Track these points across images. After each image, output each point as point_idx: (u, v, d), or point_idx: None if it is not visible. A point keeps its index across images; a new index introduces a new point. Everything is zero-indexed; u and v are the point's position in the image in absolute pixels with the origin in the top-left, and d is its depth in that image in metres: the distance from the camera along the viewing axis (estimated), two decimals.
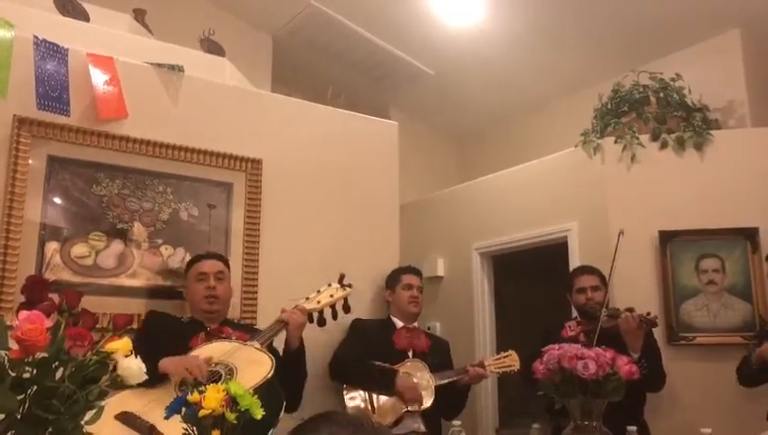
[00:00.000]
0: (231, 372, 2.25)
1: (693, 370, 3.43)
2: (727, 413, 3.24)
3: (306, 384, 2.93)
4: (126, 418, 2.03)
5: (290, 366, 2.62)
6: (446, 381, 3.09)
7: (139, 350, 2.43)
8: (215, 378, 2.24)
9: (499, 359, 3.20)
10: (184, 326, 2.68)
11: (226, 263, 2.83)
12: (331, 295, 2.85)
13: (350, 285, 2.91)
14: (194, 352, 2.40)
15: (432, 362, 3.14)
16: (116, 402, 2.02)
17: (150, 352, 2.35)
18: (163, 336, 2.54)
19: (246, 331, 2.70)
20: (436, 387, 3.04)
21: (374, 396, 2.97)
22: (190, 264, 2.80)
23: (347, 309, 2.93)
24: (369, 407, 2.93)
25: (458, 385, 3.15)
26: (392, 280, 3.38)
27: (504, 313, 4.78)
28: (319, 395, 3.05)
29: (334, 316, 2.89)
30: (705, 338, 3.49)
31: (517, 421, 4.23)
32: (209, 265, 2.74)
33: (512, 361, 3.18)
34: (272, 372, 2.23)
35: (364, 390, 3.00)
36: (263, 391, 2.11)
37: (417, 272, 3.41)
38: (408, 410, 2.96)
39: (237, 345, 2.44)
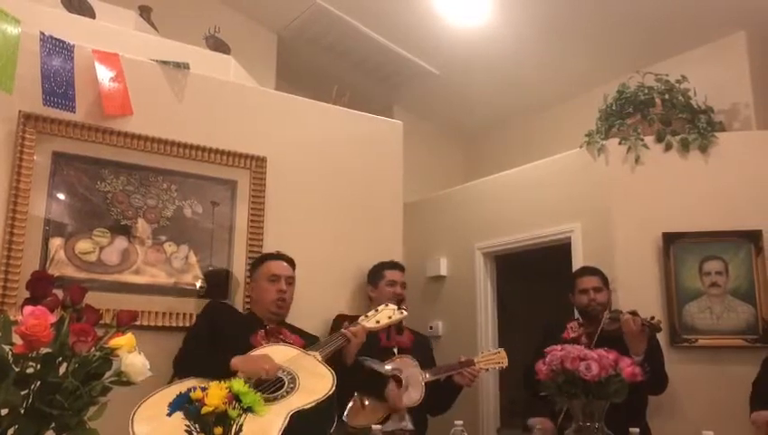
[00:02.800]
0: (294, 381, 2.28)
1: (695, 372, 3.43)
2: (730, 416, 3.22)
3: None
4: None
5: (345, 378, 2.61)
6: (435, 377, 3.07)
7: (201, 340, 2.55)
8: (278, 384, 2.27)
9: (487, 356, 3.19)
10: (244, 321, 2.76)
11: (294, 266, 2.91)
12: (389, 317, 2.84)
13: (406, 309, 2.94)
14: (258, 351, 2.47)
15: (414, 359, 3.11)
16: (177, 390, 2.03)
17: (216, 344, 2.46)
18: (225, 328, 2.62)
19: (302, 336, 2.77)
20: (426, 384, 3.02)
21: (364, 395, 2.94)
22: (261, 260, 2.88)
23: (400, 331, 3.04)
24: (360, 404, 2.92)
25: (450, 384, 3.12)
26: (374, 275, 3.29)
27: (507, 313, 4.78)
28: None
29: (388, 337, 3.01)
30: (708, 340, 3.49)
31: (518, 422, 4.23)
32: (282, 268, 2.84)
33: (500, 358, 3.17)
34: (333, 388, 2.26)
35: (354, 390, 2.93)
36: (322, 405, 2.16)
37: (400, 267, 3.31)
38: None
39: (301, 354, 2.48)
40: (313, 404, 2.15)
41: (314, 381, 2.29)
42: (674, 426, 3.28)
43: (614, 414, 2.26)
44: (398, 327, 3.07)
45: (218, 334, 2.58)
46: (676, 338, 3.50)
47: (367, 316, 2.82)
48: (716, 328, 3.50)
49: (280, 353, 2.44)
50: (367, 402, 2.92)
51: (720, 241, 3.58)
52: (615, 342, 2.78)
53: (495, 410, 4.46)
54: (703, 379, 3.42)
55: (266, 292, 2.78)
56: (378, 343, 3.08)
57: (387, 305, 2.89)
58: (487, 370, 3.21)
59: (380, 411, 2.91)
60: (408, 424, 2.97)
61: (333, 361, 2.59)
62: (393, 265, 3.30)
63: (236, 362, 2.35)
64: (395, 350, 3.12)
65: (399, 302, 3.14)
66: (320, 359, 2.48)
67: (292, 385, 2.26)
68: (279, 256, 2.89)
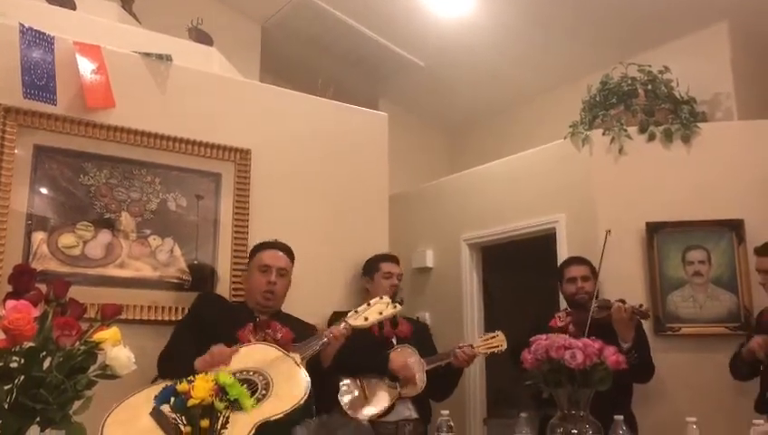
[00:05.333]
0: (267, 387, 2.22)
1: (679, 360, 3.46)
2: (713, 403, 3.27)
3: None
4: (157, 417, 1.99)
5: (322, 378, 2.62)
6: (436, 364, 3.10)
7: (185, 336, 2.53)
8: (252, 388, 2.21)
9: (487, 340, 3.20)
10: (233, 312, 2.72)
11: (292, 256, 2.86)
12: (380, 313, 2.70)
13: (401, 302, 2.85)
14: (241, 350, 2.40)
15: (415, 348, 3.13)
16: (154, 393, 2.01)
17: (199, 341, 2.41)
18: (211, 322, 2.58)
19: (294, 327, 2.71)
20: (426, 371, 3.04)
21: (366, 385, 2.95)
22: (256, 250, 2.84)
23: (394, 325, 2.95)
24: (363, 395, 2.92)
25: (450, 369, 3.15)
26: (371, 267, 3.30)
27: (493, 304, 4.81)
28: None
29: (381, 327, 2.94)
30: (691, 329, 3.52)
31: (505, 411, 4.26)
32: (274, 259, 2.78)
33: (499, 341, 3.18)
34: (304, 398, 2.18)
35: (358, 375, 2.96)
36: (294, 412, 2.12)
37: (396, 260, 3.33)
38: (400, 397, 2.96)
39: (281, 356, 2.38)
40: (281, 416, 2.07)
41: (288, 388, 2.21)
42: (658, 413, 3.32)
43: (599, 402, 2.28)
44: (392, 321, 3.04)
45: (206, 329, 2.54)
46: (660, 327, 3.53)
47: (356, 312, 2.72)
48: (699, 317, 3.54)
49: (259, 354, 2.37)
50: (369, 392, 2.92)
51: (703, 230, 3.61)
52: (603, 330, 2.81)
53: (482, 400, 4.49)
54: (686, 367, 3.46)
55: (256, 282, 2.74)
56: (375, 335, 3.07)
57: (381, 299, 2.77)
58: (486, 354, 3.22)
59: (385, 399, 2.92)
60: (412, 413, 2.99)
61: (311, 362, 2.55)
62: (390, 258, 3.32)
63: (197, 363, 2.30)
64: (394, 340, 3.14)
65: (393, 295, 3.14)
66: (298, 362, 2.38)
67: (264, 391, 2.20)
68: (274, 245, 2.83)
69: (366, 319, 2.68)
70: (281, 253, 2.82)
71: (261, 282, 2.73)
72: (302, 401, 2.16)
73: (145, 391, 2.14)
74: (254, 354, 2.38)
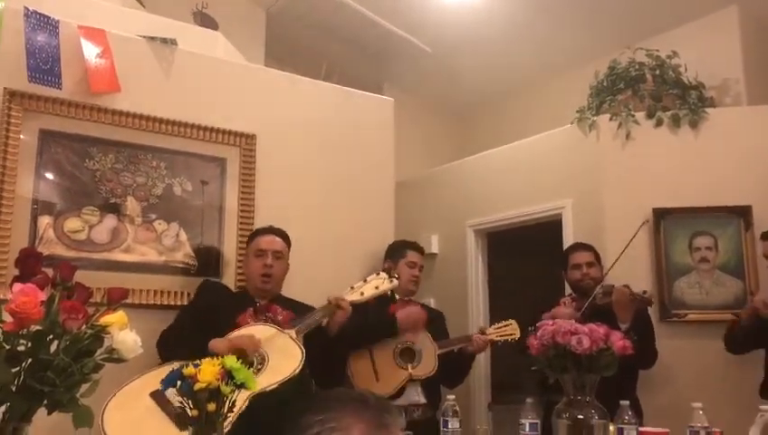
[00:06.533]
0: (262, 362, 2.29)
1: (685, 347, 3.46)
2: (719, 389, 3.27)
3: None
4: (158, 397, 2.06)
5: (328, 349, 2.65)
6: (449, 348, 3.10)
7: (186, 321, 2.55)
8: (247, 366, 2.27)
9: (500, 328, 3.21)
10: (234, 299, 2.76)
11: (287, 239, 2.86)
12: (377, 287, 2.81)
13: (397, 277, 2.92)
14: (236, 332, 2.45)
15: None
16: (155, 377, 2.05)
17: (199, 326, 2.45)
18: (212, 308, 2.61)
19: (295, 309, 2.73)
20: (439, 355, 3.04)
21: (377, 365, 2.96)
22: (252, 236, 2.87)
23: (392, 300, 2.97)
24: (374, 375, 2.93)
25: (463, 354, 3.17)
26: (396, 252, 3.31)
27: (498, 290, 4.80)
28: None
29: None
30: (697, 315, 3.52)
31: (510, 397, 4.27)
32: (268, 242, 2.80)
33: (512, 329, 3.19)
34: (299, 368, 2.25)
35: (369, 345, 2.97)
36: (291, 382, 2.17)
37: (421, 250, 3.37)
38: (411, 378, 2.96)
39: (276, 332, 2.46)
40: (276, 386, 2.14)
41: (282, 362, 2.27)
42: (664, 399, 3.31)
43: (604, 388, 2.28)
44: (390, 296, 3.05)
45: (208, 315, 2.57)
46: (666, 313, 3.53)
47: (353, 288, 2.79)
48: (706, 303, 3.53)
49: (256, 334, 2.43)
50: (380, 370, 2.92)
51: (710, 217, 3.59)
52: (605, 316, 2.80)
53: (487, 386, 4.50)
54: (692, 353, 3.45)
55: (253, 267, 2.76)
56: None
57: (377, 274, 2.87)
58: (498, 342, 3.22)
59: (396, 378, 2.92)
60: (421, 398, 3.00)
61: (316, 333, 2.59)
62: (417, 247, 3.34)
63: (214, 344, 2.32)
64: None
65: (413, 280, 3.23)
66: (294, 337, 2.45)
67: (260, 366, 2.26)
68: (269, 231, 2.85)
69: (362, 294, 2.77)
70: (276, 237, 2.84)
71: (258, 266, 2.75)
72: (296, 372, 2.22)
73: (144, 376, 2.18)
74: (253, 332, 2.44)
